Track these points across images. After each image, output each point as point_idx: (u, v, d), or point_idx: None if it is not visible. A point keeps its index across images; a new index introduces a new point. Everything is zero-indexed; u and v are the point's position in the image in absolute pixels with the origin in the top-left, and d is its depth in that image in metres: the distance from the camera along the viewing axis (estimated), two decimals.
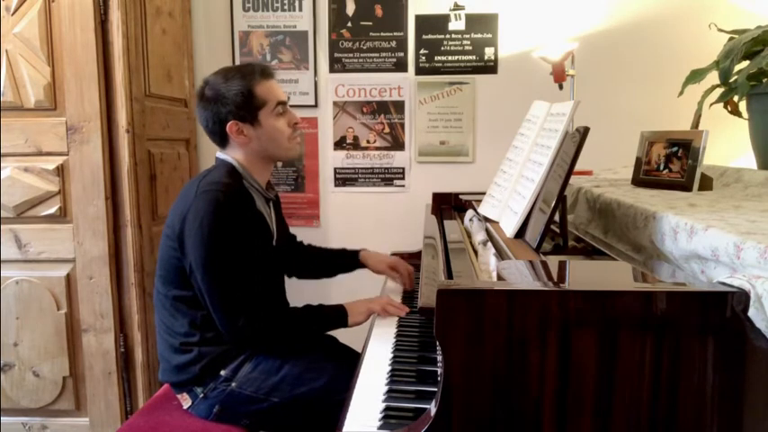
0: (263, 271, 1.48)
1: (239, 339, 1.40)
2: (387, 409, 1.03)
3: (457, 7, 2.47)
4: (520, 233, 1.33)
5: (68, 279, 2.02)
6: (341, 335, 1.73)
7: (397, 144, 2.56)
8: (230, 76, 1.48)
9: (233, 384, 1.42)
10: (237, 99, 1.46)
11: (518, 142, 1.63)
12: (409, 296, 1.73)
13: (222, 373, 1.43)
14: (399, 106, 2.54)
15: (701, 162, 1.53)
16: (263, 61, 2.52)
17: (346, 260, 1.85)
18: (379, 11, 2.49)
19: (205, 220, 1.36)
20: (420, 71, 2.52)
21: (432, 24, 2.49)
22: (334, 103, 2.55)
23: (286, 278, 1.75)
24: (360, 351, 1.36)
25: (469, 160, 2.54)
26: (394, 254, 2.13)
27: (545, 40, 2.28)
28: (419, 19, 2.49)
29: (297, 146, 1.57)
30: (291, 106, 1.58)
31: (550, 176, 1.28)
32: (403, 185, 2.58)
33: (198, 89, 1.52)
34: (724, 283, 0.83)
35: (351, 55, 2.53)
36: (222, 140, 1.52)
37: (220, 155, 1.54)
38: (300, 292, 1.85)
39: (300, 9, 2.51)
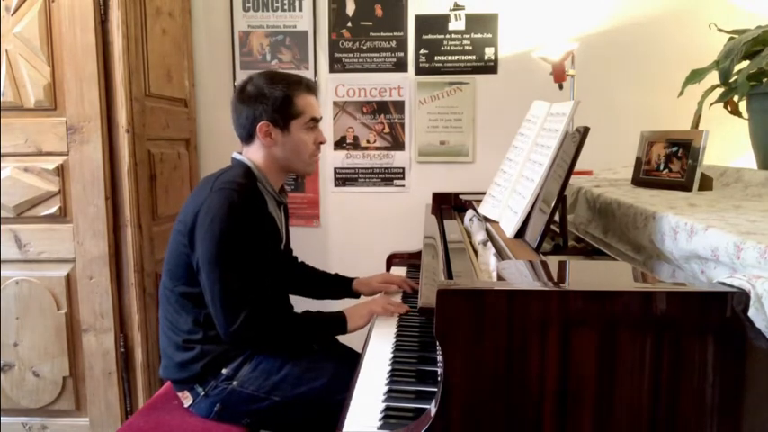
0: (270, 273, 1.49)
1: (234, 340, 1.39)
2: (387, 408, 1.03)
3: (457, 7, 2.47)
4: (520, 233, 1.34)
5: (68, 279, 2.02)
6: (341, 335, 1.73)
7: (397, 144, 2.56)
8: (276, 79, 1.52)
9: (234, 383, 1.43)
10: (277, 103, 1.49)
11: (518, 142, 1.63)
12: (409, 296, 1.73)
13: (223, 371, 1.44)
14: (399, 106, 2.54)
15: (701, 162, 1.53)
16: (262, 61, 2.52)
17: (337, 286, 1.83)
18: (379, 11, 2.49)
19: (217, 218, 1.37)
20: (420, 71, 2.51)
21: (432, 24, 2.49)
22: (334, 103, 2.55)
23: None
24: (360, 351, 1.36)
25: (469, 160, 2.54)
26: (394, 254, 2.14)
27: (545, 40, 2.28)
28: (419, 19, 2.49)
29: (314, 165, 1.61)
30: None
31: (550, 176, 1.29)
32: (403, 185, 2.58)
33: (240, 82, 1.55)
34: (724, 283, 0.83)
35: (351, 55, 2.53)
36: (248, 137, 1.54)
37: (236, 155, 1.55)
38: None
39: (300, 9, 2.51)
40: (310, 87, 1.55)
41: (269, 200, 1.53)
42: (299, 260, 1.88)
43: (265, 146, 1.52)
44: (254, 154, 1.54)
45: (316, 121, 1.56)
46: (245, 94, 1.52)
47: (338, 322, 1.50)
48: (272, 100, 1.49)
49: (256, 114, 1.50)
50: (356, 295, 1.82)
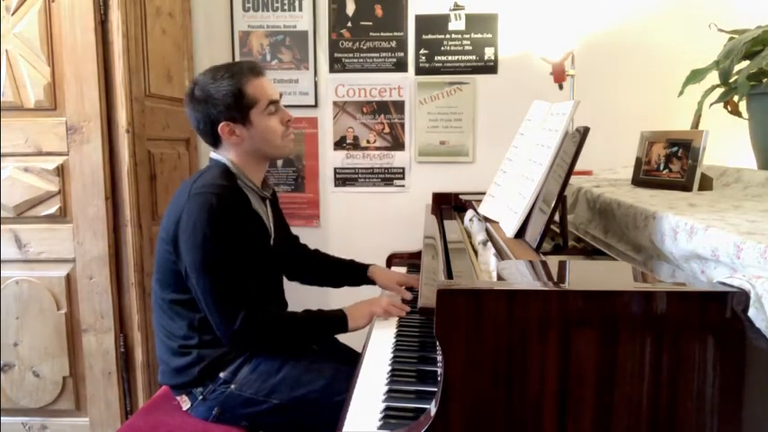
0: (261, 271, 1.48)
1: (236, 342, 1.39)
2: (387, 409, 1.03)
3: (457, 7, 2.47)
4: (520, 233, 1.33)
5: (68, 279, 2.02)
6: (341, 335, 1.73)
7: (397, 144, 2.56)
8: (219, 75, 1.45)
9: (232, 386, 1.42)
10: (228, 99, 1.43)
11: (518, 142, 1.63)
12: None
13: (221, 375, 1.43)
14: (399, 106, 2.54)
15: (700, 162, 1.53)
16: (262, 61, 2.52)
17: (355, 273, 1.81)
18: (379, 11, 2.49)
19: (198, 224, 1.35)
20: (420, 71, 2.51)
21: (432, 24, 2.49)
22: (334, 103, 2.55)
23: (285, 280, 1.74)
24: (360, 351, 1.36)
25: (469, 160, 2.54)
26: (394, 254, 2.14)
27: (545, 40, 2.28)
28: (419, 19, 2.49)
29: (290, 143, 1.55)
30: (292, 107, 1.57)
31: (550, 176, 1.28)
32: (403, 185, 2.58)
33: (187, 89, 1.49)
34: (724, 283, 0.83)
35: (351, 55, 2.52)
36: (214, 141, 1.50)
37: (214, 155, 1.53)
38: (298, 291, 1.84)
39: (300, 9, 2.51)
40: (256, 70, 1.47)
41: (251, 196, 1.51)
42: (312, 249, 1.86)
43: (234, 144, 1.48)
44: (227, 153, 1.50)
45: (275, 102, 1.49)
46: (194, 99, 1.46)
47: (339, 321, 1.49)
48: (222, 98, 1.43)
49: (212, 117, 1.45)
50: (372, 282, 1.80)
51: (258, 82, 1.47)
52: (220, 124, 1.45)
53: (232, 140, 1.47)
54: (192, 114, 1.48)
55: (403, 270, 2.03)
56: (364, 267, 1.81)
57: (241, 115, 1.45)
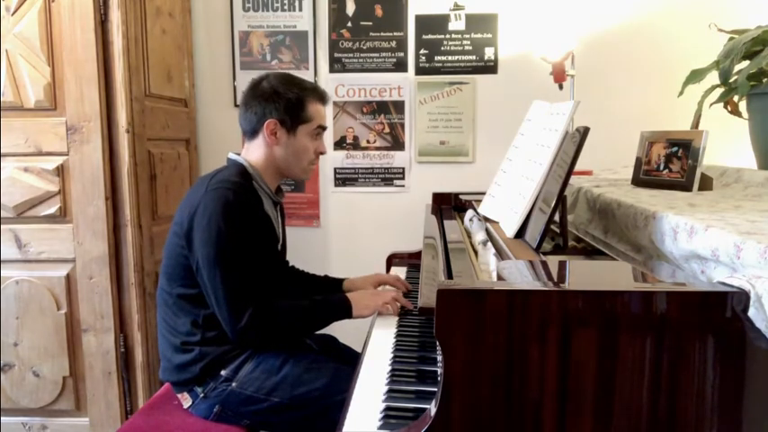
0: (269, 271, 1.49)
1: (242, 338, 1.39)
2: (387, 409, 1.03)
3: (457, 7, 2.47)
4: (520, 233, 1.33)
5: (68, 279, 2.02)
6: (341, 335, 1.73)
7: (397, 144, 2.56)
8: (292, 82, 1.53)
9: (233, 384, 1.42)
10: (290, 104, 1.50)
11: (518, 142, 1.64)
12: (407, 295, 1.72)
13: (223, 372, 1.43)
14: (399, 106, 2.54)
15: (701, 162, 1.53)
16: (262, 61, 2.52)
17: (328, 289, 1.79)
18: (379, 11, 2.49)
19: (213, 218, 1.37)
20: (420, 71, 2.51)
21: (432, 24, 2.49)
22: (334, 103, 2.55)
23: None
24: (360, 351, 1.36)
25: (469, 160, 2.54)
26: (394, 254, 2.14)
27: (545, 40, 2.27)
28: (419, 19, 2.49)
29: (310, 173, 1.61)
30: None
31: (550, 176, 1.29)
32: (403, 185, 2.58)
33: (255, 78, 1.55)
34: (724, 283, 0.83)
35: (351, 55, 2.53)
36: (252, 133, 1.54)
37: (232, 155, 1.55)
38: None
39: (300, 9, 2.51)
40: (323, 97, 1.57)
41: (264, 199, 1.53)
42: (290, 264, 1.86)
43: (268, 144, 1.52)
44: (253, 152, 1.54)
45: (322, 129, 1.57)
46: (258, 89, 1.52)
47: (343, 308, 1.51)
48: (286, 100, 1.50)
49: (266, 111, 1.50)
50: None
51: (320, 107, 1.56)
52: (269, 119, 1.50)
53: (269, 140, 1.51)
54: (249, 101, 1.53)
55: (403, 270, 2.03)
56: (338, 282, 1.80)
57: (292, 123, 1.51)
